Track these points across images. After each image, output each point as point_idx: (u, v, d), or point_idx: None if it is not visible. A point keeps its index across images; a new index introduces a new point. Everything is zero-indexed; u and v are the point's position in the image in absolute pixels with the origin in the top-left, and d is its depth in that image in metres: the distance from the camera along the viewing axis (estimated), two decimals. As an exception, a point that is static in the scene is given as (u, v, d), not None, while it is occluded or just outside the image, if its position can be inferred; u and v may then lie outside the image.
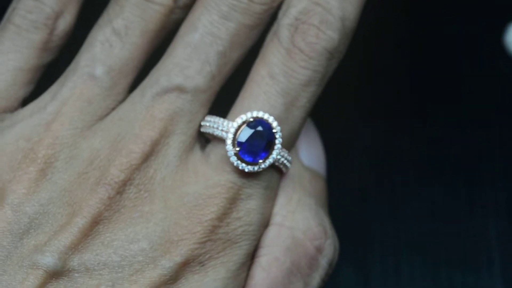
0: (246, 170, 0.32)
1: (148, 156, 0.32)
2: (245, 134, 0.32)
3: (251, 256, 0.33)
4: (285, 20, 0.33)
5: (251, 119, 0.32)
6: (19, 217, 0.31)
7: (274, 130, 0.32)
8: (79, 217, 0.31)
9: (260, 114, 0.32)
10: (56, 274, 0.30)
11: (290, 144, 0.33)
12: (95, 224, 0.31)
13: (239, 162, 0.32)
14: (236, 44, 0.33)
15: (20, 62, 0.33)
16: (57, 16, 0.33)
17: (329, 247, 0.33)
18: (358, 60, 0.41)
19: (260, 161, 0.32)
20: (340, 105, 0.41)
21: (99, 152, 0.32)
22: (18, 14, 0.33)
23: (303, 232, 0.33)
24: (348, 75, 0.41)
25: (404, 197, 0.40)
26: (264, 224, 0.33)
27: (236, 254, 0.32)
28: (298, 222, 0.33)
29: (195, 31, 0.33)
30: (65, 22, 0.34)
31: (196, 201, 0.32)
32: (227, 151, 0.32)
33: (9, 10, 0.34)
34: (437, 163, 0.41)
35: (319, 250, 0.33)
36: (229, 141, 0.32)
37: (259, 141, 0.32)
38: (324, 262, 0.33)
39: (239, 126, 0.32)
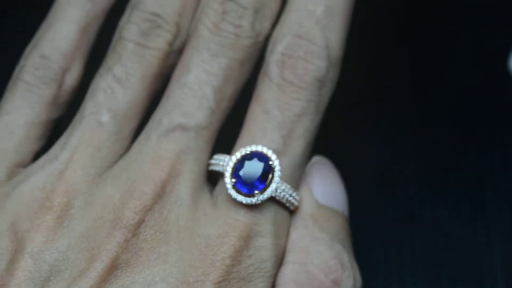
0: (244, 202, 0.32)
1: (160, 196, 0.32)
2: (241, 166, 0.32)
3: None
4: (272, 57, 0.34)
5: (249, 152, 0.33)
6: (40, 265, 0.31)
7: (271, 162, 0.32)
8: (98, 261, 0.31)
9: (259, 148, 0.32)
10: None
11: (293, 177, 0.34)
12: (114, 268, 0.31)
13: (237, 194, 0.32)
14: (229, 79, 0.34)
15: (31, 116, 0.34)
16: (64, 71, 0.35)
17: (348, 279, 0.33)
18: (364, 82, 0.42)
19: (257, 192, 0.32)
20: (345, 127, 0.41)
21: (112, 196, 0.32)
22: (26, 72, 0.34)
23: (316, 266, 0.33)
24: (353, 97, 0.41)
25: (408, 218, 0.40)
26: (278, 261, 0.33)
27: None
28: (311, 257, 0.33)
29: (188, 72, 0.34)
30: (72, 77, 0.35)
31: (206, 242, 0.32)
32: (226, 184, 0.32)
33: (17, 68, 0.35)
34: (441, 184, 0.41)
35: (336, 283, 0.33)
36: (227, 174, 0.32)
37: (253, 172, 0.32)
38: None
39: (238, 160, 0.33)
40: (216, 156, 0.34)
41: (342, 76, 0.36)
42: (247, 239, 0.32)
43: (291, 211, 0.34)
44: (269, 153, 0.32)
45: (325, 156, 0.36)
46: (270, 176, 0.32)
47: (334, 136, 0.39)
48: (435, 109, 0.42)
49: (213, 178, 0.34)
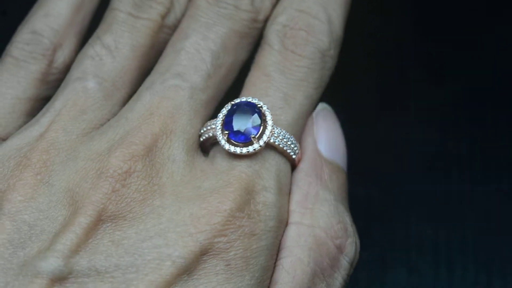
0: (244, 151, 0.30)
1: (151, 149, 0.30)
2: (229, 115, 0.31)
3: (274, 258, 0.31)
4: (273, 27, 0.33)
5: (234, 103, 0.31)
6: (19, 226, 0.29)
7: (259, 105, 0.31)
8: (83, 216, 0.29)
9: (243, 99, 0.31)
10: (62, 279, 0.28)
11: (297, 128, 0.32)
12: (101, 222, 0.29)
13: (234, 147, 0.30)
14: (228, 47, 0.33)
15: (17, 91, 0.33)
16: (55, 48, 0.34)
17: (350, 246, 0.31)
18: (416, 63, 0.41)
19: (252, 135, 0.30)
20: (397, 109, 0.40)
21: (98, 148, 0.31)
22: (16, 47, 0.33)
23: (324, 230, 0.31)
24: (406, 79, 0.41)
25: (459, 202, 0.39)
26: (283, 221, 0.31)
27: (263, 255, 0.30)
28: (318, 220, 0.31)
29: (186, 38, 0.33)
30: (64, 54, 0.34)
31: (212, 192, 0.30)
32: (219, 140, 0.31)
33: (8, 45, 0.34)
34: (494, 168, 0.40)
35: (340, 249, 0.31)
36: (218, 130, 0.31)
37: (244, 118, 0.31)
38: (345, 261, 0.31)
39: (224, 115, 0.31)
40: (207, 123, 0.32)
41: (391, 56, 0.36)
42: (254, 194, 0.30)
43: (293, 166, 0.32)
44: (255, 101, 0.31)
45: (381, 140, 0.36)
46: (262, 120, 0.31)
47: (388, 118, 0.39)
48: (489, 89, 0.41)
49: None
